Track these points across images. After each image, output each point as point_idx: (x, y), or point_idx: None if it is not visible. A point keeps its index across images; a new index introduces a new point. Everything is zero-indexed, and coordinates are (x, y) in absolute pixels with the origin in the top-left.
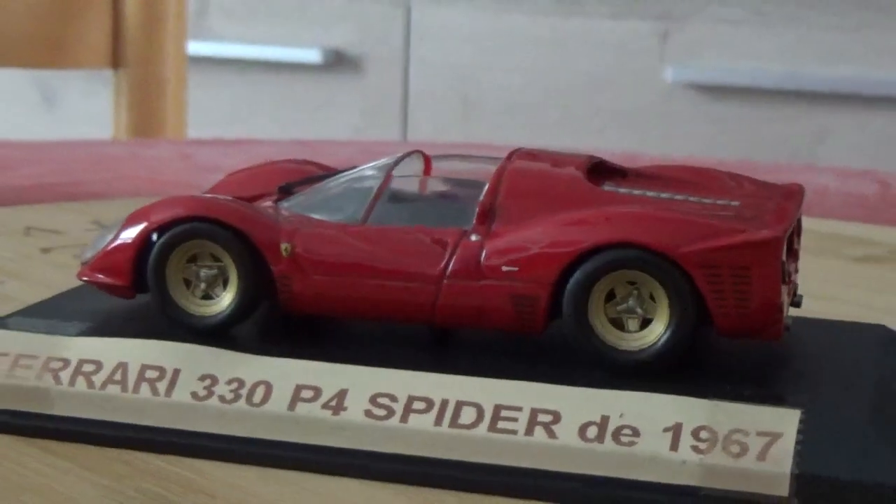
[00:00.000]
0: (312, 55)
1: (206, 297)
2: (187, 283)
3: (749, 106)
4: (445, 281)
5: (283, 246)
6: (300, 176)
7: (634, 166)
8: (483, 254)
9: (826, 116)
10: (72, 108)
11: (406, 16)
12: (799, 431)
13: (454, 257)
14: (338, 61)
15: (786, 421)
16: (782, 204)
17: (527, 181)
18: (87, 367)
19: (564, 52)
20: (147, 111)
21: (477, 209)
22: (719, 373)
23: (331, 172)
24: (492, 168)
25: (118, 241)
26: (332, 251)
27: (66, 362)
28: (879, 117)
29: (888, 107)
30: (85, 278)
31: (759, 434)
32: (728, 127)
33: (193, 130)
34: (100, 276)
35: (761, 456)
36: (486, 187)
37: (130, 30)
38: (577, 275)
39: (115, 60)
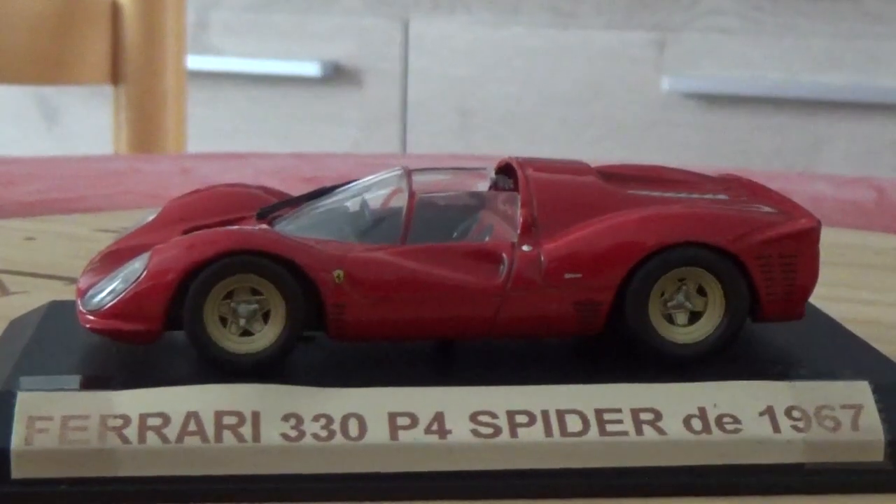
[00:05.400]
0: (311, 69)
1: (244, 333)
2: (223, 320)
3: (745, 114)
4: (507, 293)
5: (336, 273)
6: (249, 199)
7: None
8: (542, 263)
9: (821, 124)
10: (72, 124)
11: (404, 29)
12: (876, 401)
13: (513, 269)
14: (337, 74)
15: (860, 393)
16: (766, 193)
17: (558, 190)
18: (153, 421)
19: (561, 62)
20: (147, 126)
21: (520, 220)
22: (752, 356)
23: (302, 196)
24: (471, 179)
25: (148, 283)
26: (389, 274)
27: (126, 419)
28: (874, 124)
29: (883, 114)
30: (99, 327)
31: (844, 407)
32: (724, 136)
33: (193, 145)
34: (121, 322)
35: (854, 427)
36: (520, 199)
37: (130, 45)
38: (640, 275)
39: (115, 76)
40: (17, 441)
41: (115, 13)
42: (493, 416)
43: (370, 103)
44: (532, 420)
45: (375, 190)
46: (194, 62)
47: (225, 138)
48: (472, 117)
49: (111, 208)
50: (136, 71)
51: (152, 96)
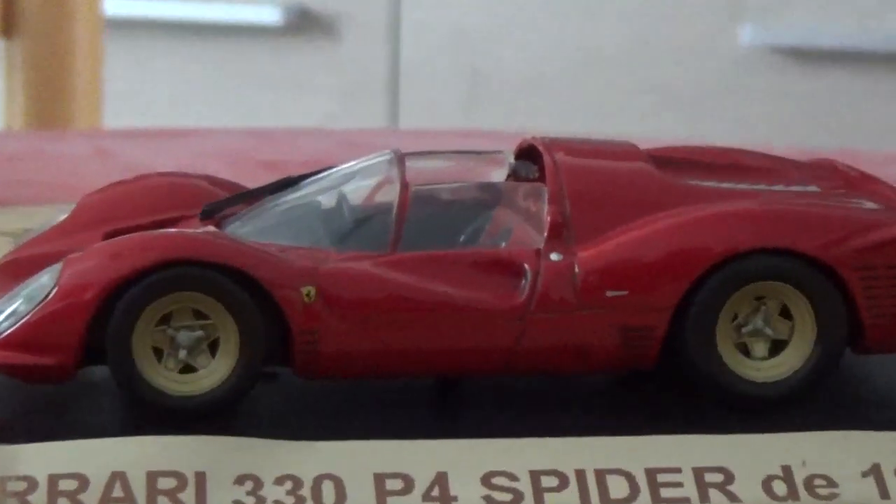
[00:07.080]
0: (271, 15)
1: (186, 369)
2: (157, 352)
3: (849, 75)
4: (530, 315)
5: (305, 290)
6: (190, 193)
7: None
8: (576, 277)
9: None
10: None
11: None
12: None
13: (538, 284)
14: (304, 23)
15: None
16: (872, 184)
17: (596, 181)
18: (67, 485)
19: (601, 12)
20: (51, 92)
21: (547, 220)
22: (851, 399)
23: (260, 188)
24: (482, 166)
25: (59, 303)
26: (375, 291)
27: (32, 481)
28: None
29: None
30: None
31: None
32: (821, 104)
33: (112, 118)
34: (25, 355)
35: None
36: (547, 194)
37: None
38: (705, 292)
39: (8, 27)
40: None
41: None
42: (513, 477)
43: (350, 62)
44: (564, 483)
45: (357, 180)
46: (113, 7)
47: (156, 109)
48: (484, 82)
49: (6, 203)
50: (35, 19)
51: (57, 52)
